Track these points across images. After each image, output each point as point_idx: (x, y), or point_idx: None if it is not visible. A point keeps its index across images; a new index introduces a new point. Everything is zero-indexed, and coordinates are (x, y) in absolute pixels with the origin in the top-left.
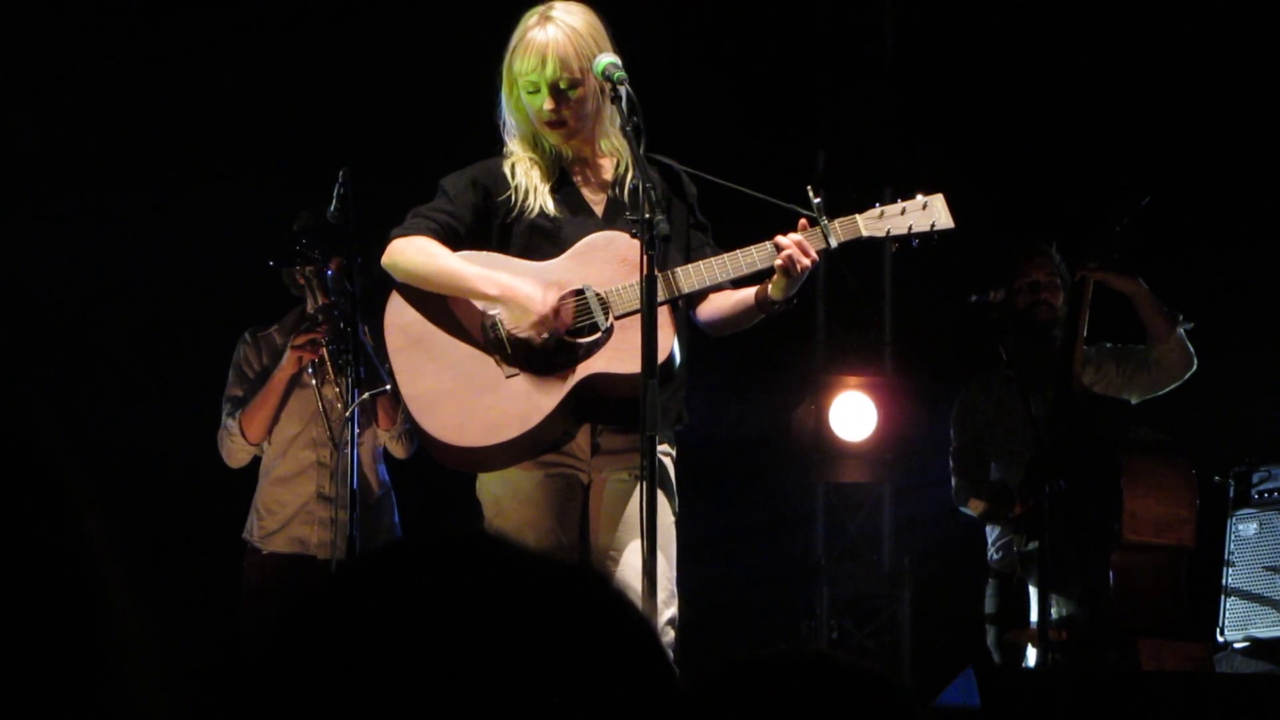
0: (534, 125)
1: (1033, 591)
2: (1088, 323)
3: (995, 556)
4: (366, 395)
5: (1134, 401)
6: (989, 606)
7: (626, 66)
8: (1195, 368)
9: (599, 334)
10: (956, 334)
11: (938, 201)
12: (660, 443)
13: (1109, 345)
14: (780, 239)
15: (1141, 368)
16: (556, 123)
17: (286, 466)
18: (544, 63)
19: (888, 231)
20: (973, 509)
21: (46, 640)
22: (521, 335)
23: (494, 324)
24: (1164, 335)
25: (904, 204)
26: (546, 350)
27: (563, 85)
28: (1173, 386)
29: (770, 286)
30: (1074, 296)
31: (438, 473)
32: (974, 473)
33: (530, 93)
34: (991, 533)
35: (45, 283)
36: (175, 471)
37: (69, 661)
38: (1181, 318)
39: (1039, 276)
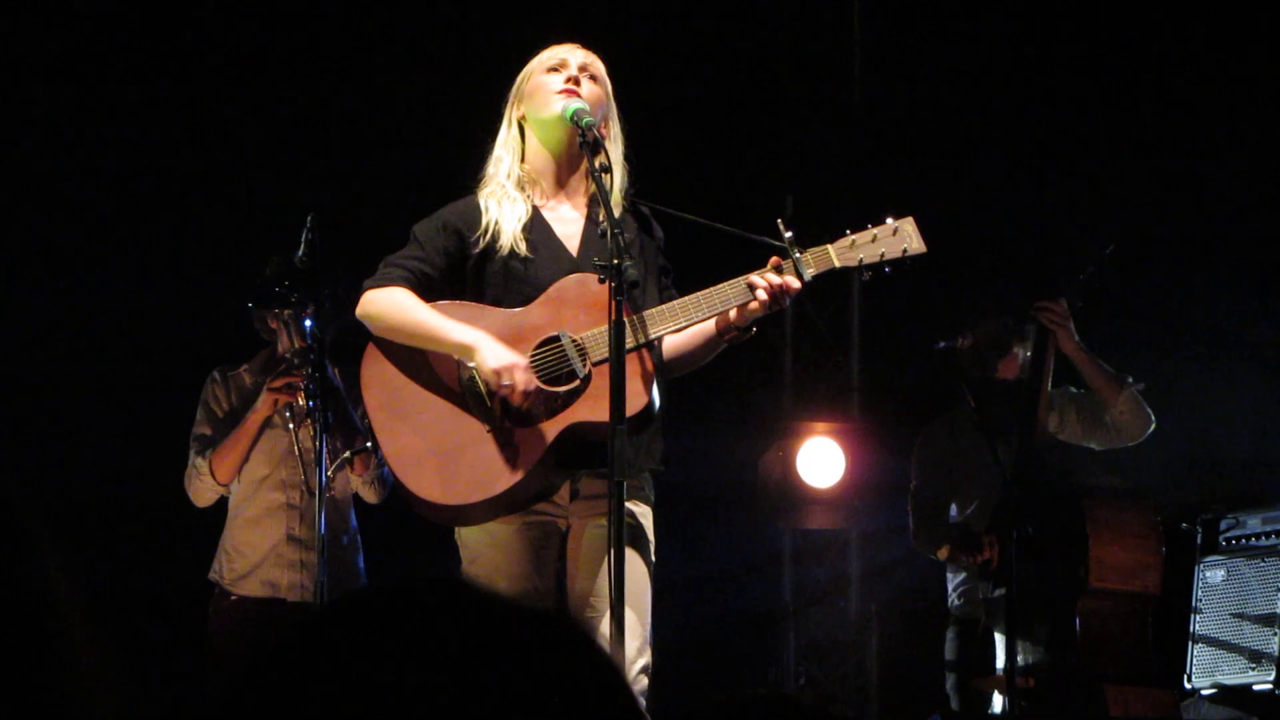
0: (543, 110)
1: (999, 638)
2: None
3: (956, 603)
4: (349, 454)
5: (1097, 449)
6: (949, 653)
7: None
8: (1154, 425)
9: (577, 382)
10: (924, 380)
11: (908, 225)
12: (637, 496)
13: (1073, 390)
14: (754, 279)
15: (1098, 424)
16: (571, 91)
17: (255, 508)
18: (575, 50)
19: (860, 260)
20: (940, 555)
21: (6, 684)
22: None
23: (471, 376)
24: (1112, 399)
25: (874, 230)
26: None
27: (585, 74)
28: (1133, 444)
29: (734, 314)
30: (1037, 347)
31: (404, 516)
32: (932, 514)
33: (550, 69)
34: (952, 579)
35: (8, 323)
36: (139, 510)
37: (30, 705)
38: (1130, 380)
39: (1004, 369)
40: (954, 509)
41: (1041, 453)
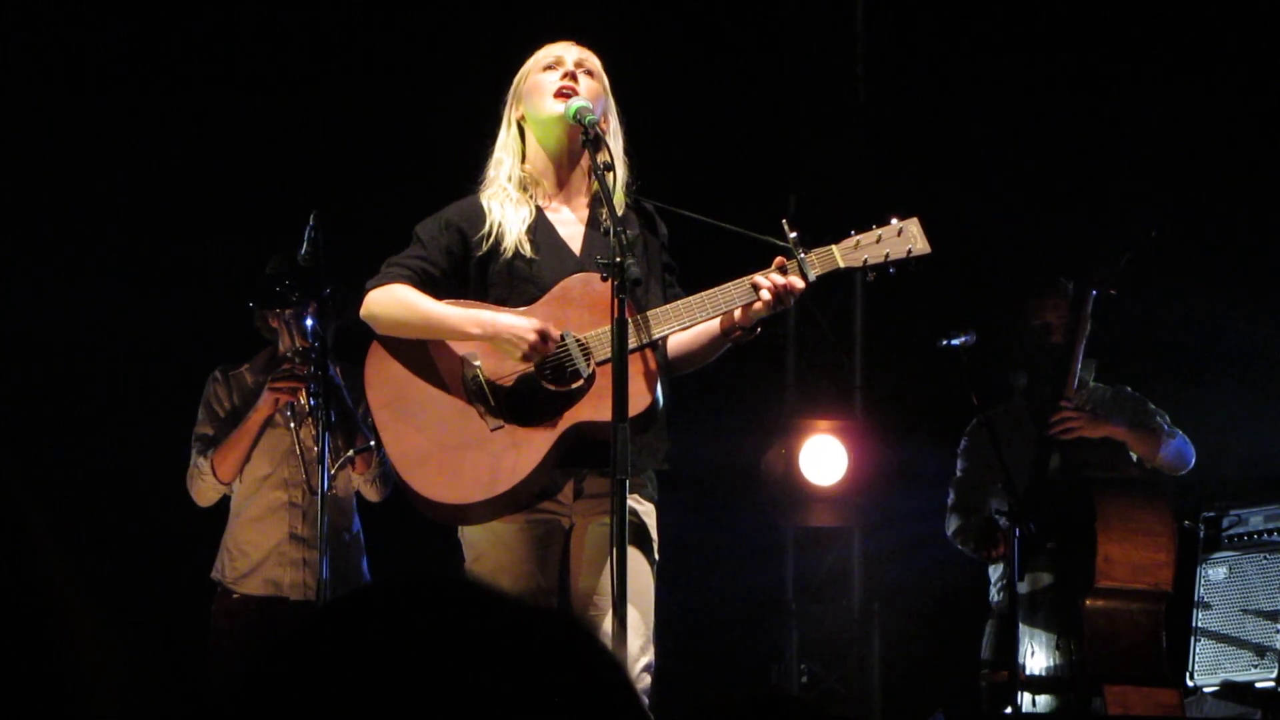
0: (541, 110)
1: (1023, 632)
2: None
3: (996, 598)
4: (351, 452)
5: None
6: (985, 649)
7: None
8: (1194, 463)
9: (581, 381)
10: (927, 378)
11: (913, 226)
12: (639, 493)
13: (1128, 390)
14: (759, 279)
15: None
16: (569, 90)
17: (258, 507)
18: (570, 47)
19: (864, 261)
20: (960, 543)
21: (10, 680)
22: (508, 377)
23: (475, 374)
24: (1152, 456)
25: (879, 231)
26: (531, 400)
27: (581, 70)
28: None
29: (739, 313)
30: (1067, 349)
31: (406, 515)
32: (966, 504)
33: (547, 67)
34: (994, 572)
35: (12, 323)
36: (141, 510)
37: (34, 705)
38: (1167, 425)
39: (1051, 318)
40: (995, 504)
41: (1070, 450)
